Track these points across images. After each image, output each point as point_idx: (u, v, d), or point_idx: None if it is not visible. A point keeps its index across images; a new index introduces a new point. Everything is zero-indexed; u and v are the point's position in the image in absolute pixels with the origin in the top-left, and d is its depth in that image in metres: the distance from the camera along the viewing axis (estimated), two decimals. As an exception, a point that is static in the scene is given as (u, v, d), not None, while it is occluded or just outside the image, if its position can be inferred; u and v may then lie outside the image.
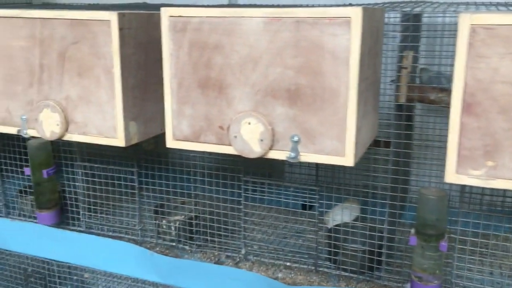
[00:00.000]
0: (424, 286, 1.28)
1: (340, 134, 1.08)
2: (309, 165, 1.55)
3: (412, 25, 1.34)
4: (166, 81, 1.19)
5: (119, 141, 1.28)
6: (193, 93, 1.18)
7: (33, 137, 1.45)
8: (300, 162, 1.16)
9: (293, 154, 1.13)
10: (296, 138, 1.13)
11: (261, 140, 1.14)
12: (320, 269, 1.50)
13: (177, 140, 1.23)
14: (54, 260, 1.81)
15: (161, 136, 1.50)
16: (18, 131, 1.36)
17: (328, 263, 1.51)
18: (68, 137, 1.32)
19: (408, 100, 1.36)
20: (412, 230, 1.29)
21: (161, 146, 1.95)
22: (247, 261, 1.58)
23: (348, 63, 1.04)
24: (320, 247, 1.51)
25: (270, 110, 1.13)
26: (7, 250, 1.88)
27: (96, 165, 1.68)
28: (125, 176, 1.64)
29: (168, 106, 1.21)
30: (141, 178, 1.64)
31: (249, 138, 1.14)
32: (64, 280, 1.91)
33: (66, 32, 1.25)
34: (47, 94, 1.31)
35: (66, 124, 1.31)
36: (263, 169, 1.52)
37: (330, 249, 1.51)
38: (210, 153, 1.52)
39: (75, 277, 1.89)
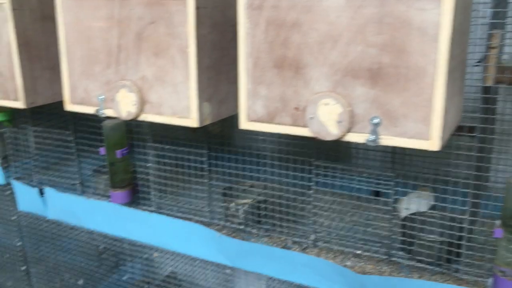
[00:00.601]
0: (508, 281, 1.20)
1: (425, 116, 1.02)
2: (384, 149, 1.48)
3: (503, 1, 1.24)
4: (241, 61, 1.18)
5: (193, 122, 1.28)
6: (268, 73, 1.16)
7: (108, 117, 1.49)
8: (373, 147, 1.11)
9: (372, 137, 1.08)
10: (376, 120, 1.07)
11: (339, 122, 1.09)
12: (393, 259, 1.45)
13: (251, 121, 1.21)
14: (126, 238, 1.86)
15: (228, 120, 1.50)
16: (96, 111, 1.40)
17: (400, 253, 1.45)
18: (143, 117, 1.34)
19: (496, 82, 1.26)
20: (497, 222, 1.21)
21: (227, 130, 1.95)
22: (315, 247, 1.55)
23: (437, 40, 0.97)
24: (393, 236, 1.45)
25: (349, 91, 1.08)
26: (81, 227, 1.96)
27: (167, 147, 1.70)
28: (195, 158, 1.66)
29: (242, 86, 1.19)
30: (211, 161, 1.64)
31: (326, 120, 1.10)
32: (134, 258, 1.97)
33: (144, 12, 1.26)
34: (124, 74, 1.33)
35: (142, 104, 1.32)
36: (331, 154, 1.48)
37: (404, 238, 1.45)
38: (280, 136, 1.50)
39: (145, 255, 1.94)
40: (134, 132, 1.76)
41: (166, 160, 1.71)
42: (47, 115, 1.93)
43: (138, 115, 1.34)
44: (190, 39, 1.22)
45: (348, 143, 1.12)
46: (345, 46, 1.06)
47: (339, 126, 1.10)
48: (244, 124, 1.22)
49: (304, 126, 1.14)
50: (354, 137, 1.11)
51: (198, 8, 1.21)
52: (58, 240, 2.11)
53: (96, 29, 1.34)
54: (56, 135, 1.91)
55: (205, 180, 1.67)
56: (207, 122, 1.32)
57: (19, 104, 1.50)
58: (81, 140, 1.87)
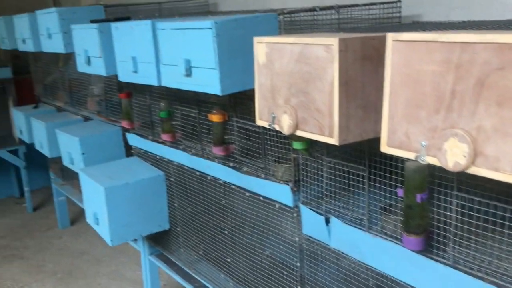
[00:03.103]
0: None
1: None
2: None
3: None
4: None
5: (542, 184, 1.09)
6: None
7: (410, 160, 1.40)
8: None
9: None
10: None
11: None
12: None
13: None
14: (411, 286, 1.76)
15: None
16: (416, 157, 1.33)
17: None
18: (474, 170, 1.21)
19: None
20: None
21: None
22: None
23: None
24: None
25: None
26: (362, 263, 1.94)
27: (476, 198, 1.53)
28: (503, 214, 1.45)
29: None
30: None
31: None
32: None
33: (491, 57, 1.14)
34: (455, 123, 1.23)
35: (474, 156, 1.20)
36: None
37: None
38: None
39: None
40: (436, 176, 1.64)
41: (472, 213, 1.54)
42: (342, 147, 1.98)
43: (467, 168, 1.21)
44: (552, 89, 1.04)
45: None
46: None
47: None
48: None
49: None
50: None
51: None
52: (335, 268, 2.14)
53: (428, 73, 1.28)
54: (349, 168, 1.93)
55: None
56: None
57: (333, 141, 1.54)
58: (374, 176, 1.85)
